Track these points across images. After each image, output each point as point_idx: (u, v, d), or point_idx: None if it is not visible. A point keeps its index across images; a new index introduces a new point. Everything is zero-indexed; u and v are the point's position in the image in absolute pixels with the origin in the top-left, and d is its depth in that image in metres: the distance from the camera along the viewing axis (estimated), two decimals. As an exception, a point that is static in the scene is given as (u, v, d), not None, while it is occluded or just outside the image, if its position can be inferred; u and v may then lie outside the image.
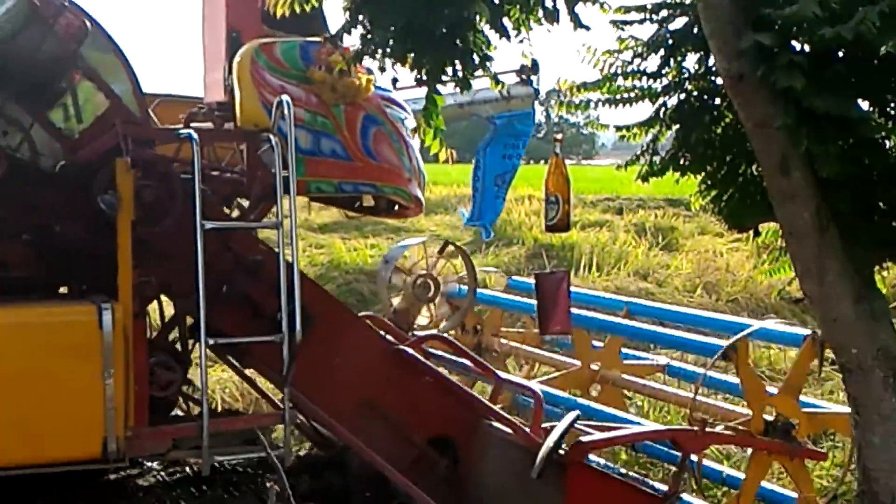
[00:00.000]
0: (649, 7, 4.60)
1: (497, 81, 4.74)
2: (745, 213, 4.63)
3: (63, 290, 5.25)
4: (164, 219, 4.88)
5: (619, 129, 5.11)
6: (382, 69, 4.21)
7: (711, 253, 14.90)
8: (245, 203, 5.68)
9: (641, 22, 4.75)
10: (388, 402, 5.68)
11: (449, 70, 4.19)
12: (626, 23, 4.69)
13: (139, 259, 4.79)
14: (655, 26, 4.71)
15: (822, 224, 3.95)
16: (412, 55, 4.09)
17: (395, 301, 7.21)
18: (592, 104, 4.94)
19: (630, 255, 14.55)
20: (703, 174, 4.72)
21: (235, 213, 5.74)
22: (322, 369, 5.38)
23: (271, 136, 5.08)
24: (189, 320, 5.35)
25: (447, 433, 5.79)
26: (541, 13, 4.03)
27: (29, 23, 4.53)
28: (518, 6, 4.00)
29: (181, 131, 5.13)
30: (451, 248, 7.40)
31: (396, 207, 6.12)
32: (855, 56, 3.81)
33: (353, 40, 4.24)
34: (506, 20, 4.07)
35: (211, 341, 4.89)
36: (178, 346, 5.42)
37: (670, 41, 4.51)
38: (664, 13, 4.57)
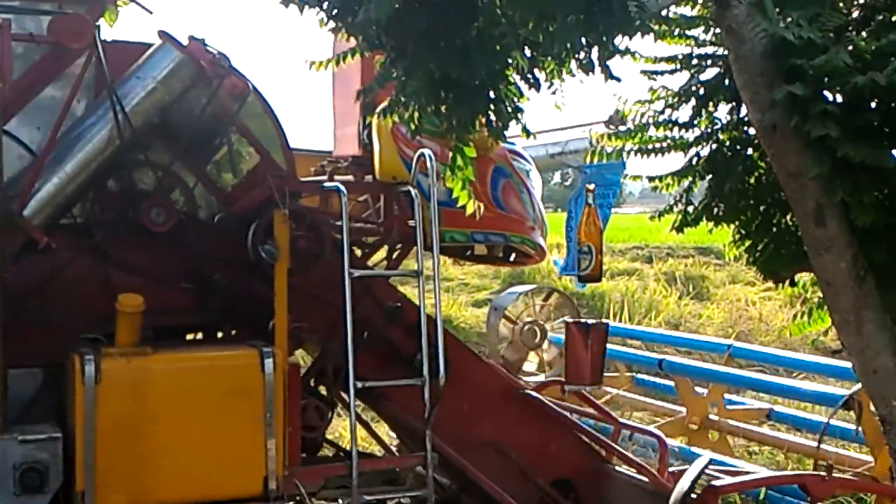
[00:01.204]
0: (680, 58, 4.69)
1: (527, 133, 4.88)
2: (781, 263, 4.54)
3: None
4: (315, 267, 5.12)
5: (651, 178, 5.17)
6: (411, 119, 4.29)
7: (744, 302, 14.82)
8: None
9: (672, 72, 4.83)
10: (514, 444, 5.84)
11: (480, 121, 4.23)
12: (657, 73, 4.80)
13: (291, 305, 5.02)
14: (687, 76, 4.80)
15: (859, 274, 3.84)
16: (445, 106, 4.16)
17: (503, 347, 7.41)
18: (624, 154, 5.04)
19: (661, 304, 14.55)
20: (736, 224, 4.64)
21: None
22: (452, 411, 5.55)
23: (411, 189, 5.32)
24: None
25: (570, 475, 5.94)
26: (573, 65, 4.00)
27: (195, 83, 4.82)
28: (552, 58, 4.00)
29: (327, 184, 5.39)
30: (556, 295, 7.58)
31: (513, 256, 6.34)
32: (889, 104, 3.77)
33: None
34: (537, 71, 4.09)
35: (359, 384, 5.09)
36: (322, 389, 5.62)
37: (702, 92, 4.53)
38: (695, 64, 4.67)
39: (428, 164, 5.22)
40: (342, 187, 5.19)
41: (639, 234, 21.05)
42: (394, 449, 6.60)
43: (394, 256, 5.78)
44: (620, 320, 13.34)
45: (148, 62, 4.76)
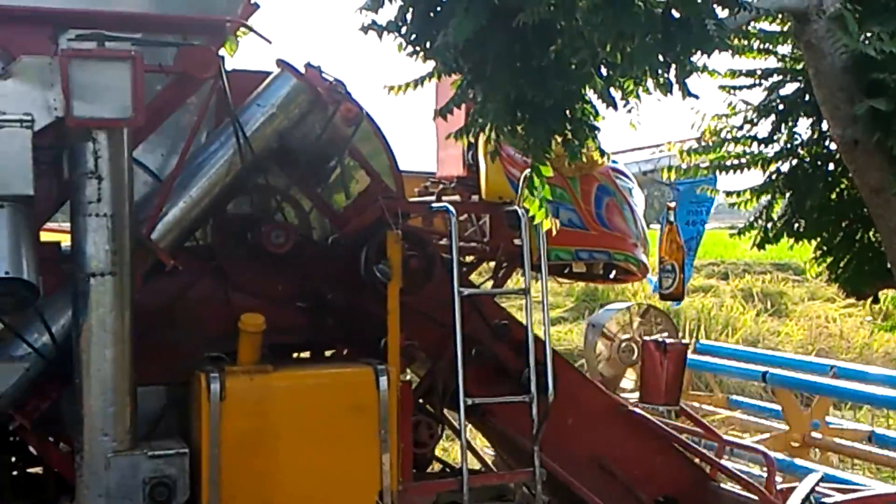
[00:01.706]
0: (759, 72, 4.65)
1: (602, 153, 4.88)
2: (864, 280, 4.54)
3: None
4: (425, 286, 5.23)
5: (729, 194, 5.12)
6: (488, 141, 4.35)
7: (823, 319, 14.51)
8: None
9: (751, 87, 4.80)
10: (618, 460, 5.88)
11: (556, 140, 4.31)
12: (735, 88, 4.76)
13: (402, 323, 5.14)
14: (766, 92, 4.75)
15: None
16: (521, 126, 4.23)
17: (601, 364, 7.43)
18: (701, 169, 4.98)
19: (738, 321, 14.27)
20: (818, 240, 4.64)
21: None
22: (557, 427, 5.61)
23: (517, 208, 5.41)
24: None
25: (675, 492, 5.95)
26: (650, 84, 4.04)
27: (312, 109, 4.98)
28: (631, 78, 4.05)
29: (436, 204, 5.50)
30: (653, 312, 7.59)
31: (614, 273, 6.38)
32: None
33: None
34: (613, 90, 4.14)
35: (469, 401, 5.18)
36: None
37: (781, 107, 4.51)
38: (775, 79, 4.61)
39: (535, 184, 5.30)
40: (451, 208, 5.30)
41: (714, 251, 20.79)
42: (490, 463, 6.69)
43: (499, 275, 5.87)
44: (696, 338, 13.22)
45: (267, 90, 4.93)
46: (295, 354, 5.55)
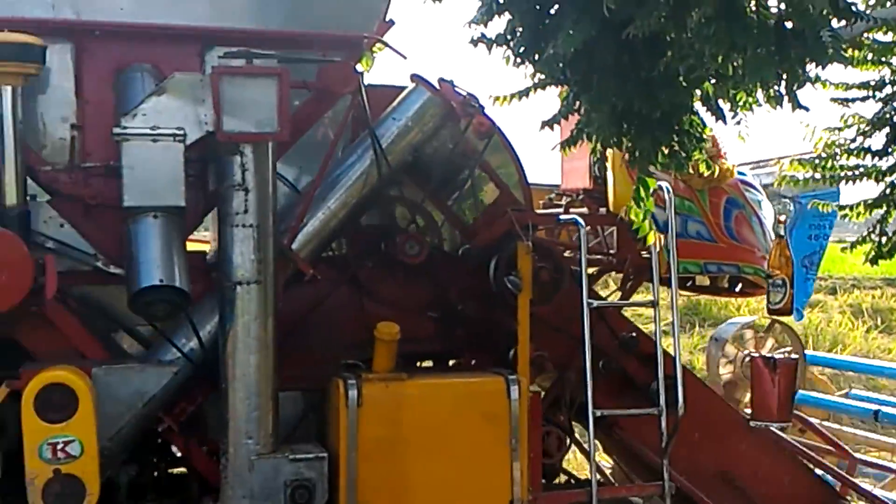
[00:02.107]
0: (873, 84, 4.52)
1: (707, 166, 4.76)
2: None
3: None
4: (555, 297, 5.28)
5: (841, 208, 4.99)
6: (593, 152, 4.30)
7: None
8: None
9: (864, 99, 4.67)
10: (745, 476, 5.82)
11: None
12: (848, 100, 4.62)
13: (531, 334, 5.18)
14: (880, 104, 4.61)
15: None
16: (627, 138, 4.22)
17: (724, 379, 7.36)
18: (812, 181, 4.86)
19: (847, 338, 13.83)
20: None
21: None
22: (684, 441, 5.58)
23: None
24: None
25: None
26: (760, 96, 3.98)
27: (446, 123, 5.08)
28: (741, 90, 4.00)
29: (563, 216, 5.55)
30: (778, 326, 7.48)
31: (739, 286, 6.33)
32: None
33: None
34: (721, 102, 4.10)
35: (598, 412, 5.20)
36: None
37: None
38: (889, 90, 4.48)
39: (665, 196, 5.31)
40: (580, 220, 5.34)
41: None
42: (608, 475, 6.67)
43: (626, 287, 5.88)
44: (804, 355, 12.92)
45: (402, 104, 5.05)
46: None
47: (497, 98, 4.59)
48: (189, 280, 4.54)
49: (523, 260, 5.09)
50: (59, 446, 4.30)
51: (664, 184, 5.35)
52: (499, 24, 4.11)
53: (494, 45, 4.15)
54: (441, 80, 5.06)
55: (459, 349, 5.50)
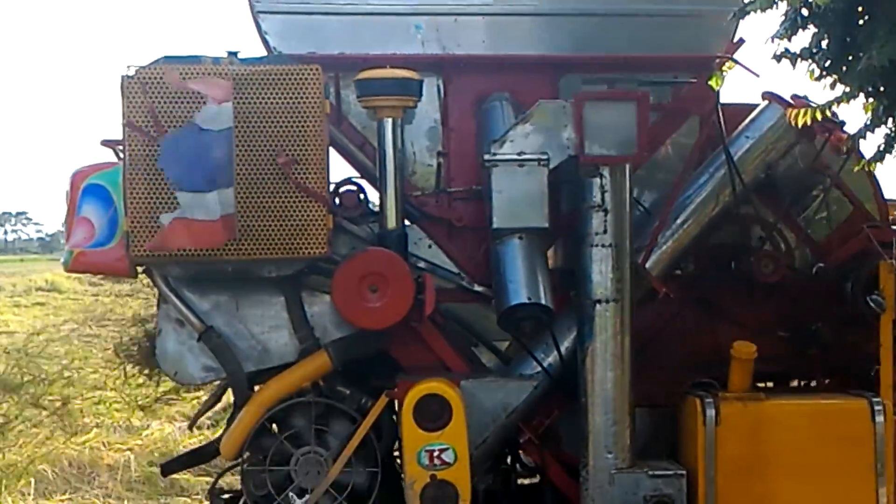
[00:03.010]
0: None
1: None
2: None
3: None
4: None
5: None
6: None
7: None
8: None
9: None
10: None
11: None
12: None
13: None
14: None
15: None
16: None
17: None
18: None
19: None
20: None
21: None
22: None
23: None
24: None
25: None
26: None
27: (800, 140, 5.00)
28: None
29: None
30: None
31: None
32: None
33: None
34: None
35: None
36: None
37: None
38: None
39: None
40: (944, 236, 5.07)
41: None
42: None
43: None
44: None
45: (756, 121, 5.03)
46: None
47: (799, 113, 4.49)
48: (553, 297, 4.73)
49: (886, 279, 4.91)
50: (436, 453, 4.61)
51: None
52: (803, 38, 4.08)
53: (799, 59, 4.08)
54: (794, 97, 4.98)
55: (810, 370, 5.36)
